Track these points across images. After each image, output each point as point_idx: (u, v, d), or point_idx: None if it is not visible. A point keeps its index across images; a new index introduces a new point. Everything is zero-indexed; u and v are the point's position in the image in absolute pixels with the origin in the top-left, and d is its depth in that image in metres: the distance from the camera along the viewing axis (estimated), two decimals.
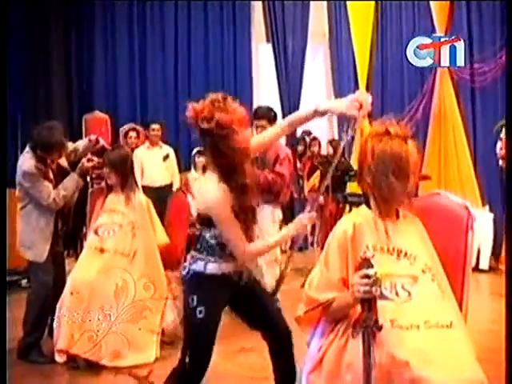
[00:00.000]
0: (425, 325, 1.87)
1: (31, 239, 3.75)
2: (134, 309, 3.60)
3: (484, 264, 6.44)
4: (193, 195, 6.74)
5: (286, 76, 8.25)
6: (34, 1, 7.37)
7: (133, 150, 6.41)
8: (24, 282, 5.43)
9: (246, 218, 2.37)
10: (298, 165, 7.78)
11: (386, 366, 1.80)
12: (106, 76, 8.24)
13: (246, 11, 8.42)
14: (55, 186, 3.76)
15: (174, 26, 8.35)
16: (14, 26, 6.58)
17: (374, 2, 8.19)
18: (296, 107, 7.81)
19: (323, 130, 8.19)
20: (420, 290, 1.94)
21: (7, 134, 5.03)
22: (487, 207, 7.09)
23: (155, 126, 6.97)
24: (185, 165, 7.58)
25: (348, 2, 8.20)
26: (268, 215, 4.46)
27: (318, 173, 6.83)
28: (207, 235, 2.41)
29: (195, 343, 2.44)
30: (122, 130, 7.56)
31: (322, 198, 5.93)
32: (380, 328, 1.77)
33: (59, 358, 3.63)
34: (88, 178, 5.26)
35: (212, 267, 2.40)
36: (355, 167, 4.72)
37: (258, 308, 2.58)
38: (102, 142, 4.06)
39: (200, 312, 2.37)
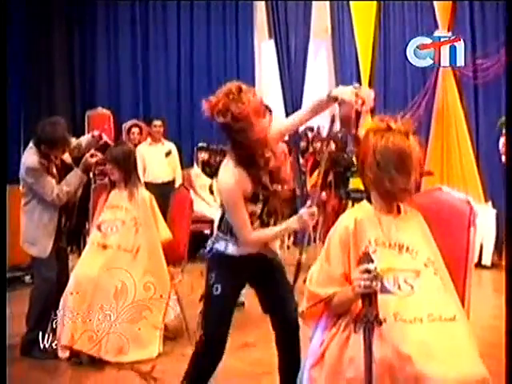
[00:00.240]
0: (428, 318, 1.87)
1: (35, 235, 3.75)
2: (134, 309, 3.59)
3: (486, 260, 6.43)
4: (195, 191, 6.76)
5: (289, 73, 8.23)
6: (37, 0, 7.38)
7: (135, 146, 6.40)
8: (27, 278, 5.44)
9: (265, 201, 2.44)
10: (301, 161, 7.78)
11: (390, 360, 1.80)
12: (108, 75, 8.27)
13: (249, 11, 8.42)
14: (59, 182, 3.75)
15: (176, 25, 8.37)
16: (17, 25, 6.60)
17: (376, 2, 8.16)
18: (298, 104, 7.79)
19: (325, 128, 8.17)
20: (423, 284, 1.94)
21: (10, 132, 5.02)
22: (490, 203, 7.06)
23: (157, 123, 6.98)
24: (187, 161, 7.60)
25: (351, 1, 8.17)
26: None
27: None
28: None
29: (210, 318, 2.52)
30: (125, 126, 7.57)
31: (324, 194, 5.94)
32: (381, 323, 1.77)
33: (62, 354, 3.63)
34: (91, 175, 5.26)
35: (232, 249, 2.49)
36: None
37: (274, 293, 2.62)
38: (105, 137, 4.06)
39: (216, 289, 2.47)
